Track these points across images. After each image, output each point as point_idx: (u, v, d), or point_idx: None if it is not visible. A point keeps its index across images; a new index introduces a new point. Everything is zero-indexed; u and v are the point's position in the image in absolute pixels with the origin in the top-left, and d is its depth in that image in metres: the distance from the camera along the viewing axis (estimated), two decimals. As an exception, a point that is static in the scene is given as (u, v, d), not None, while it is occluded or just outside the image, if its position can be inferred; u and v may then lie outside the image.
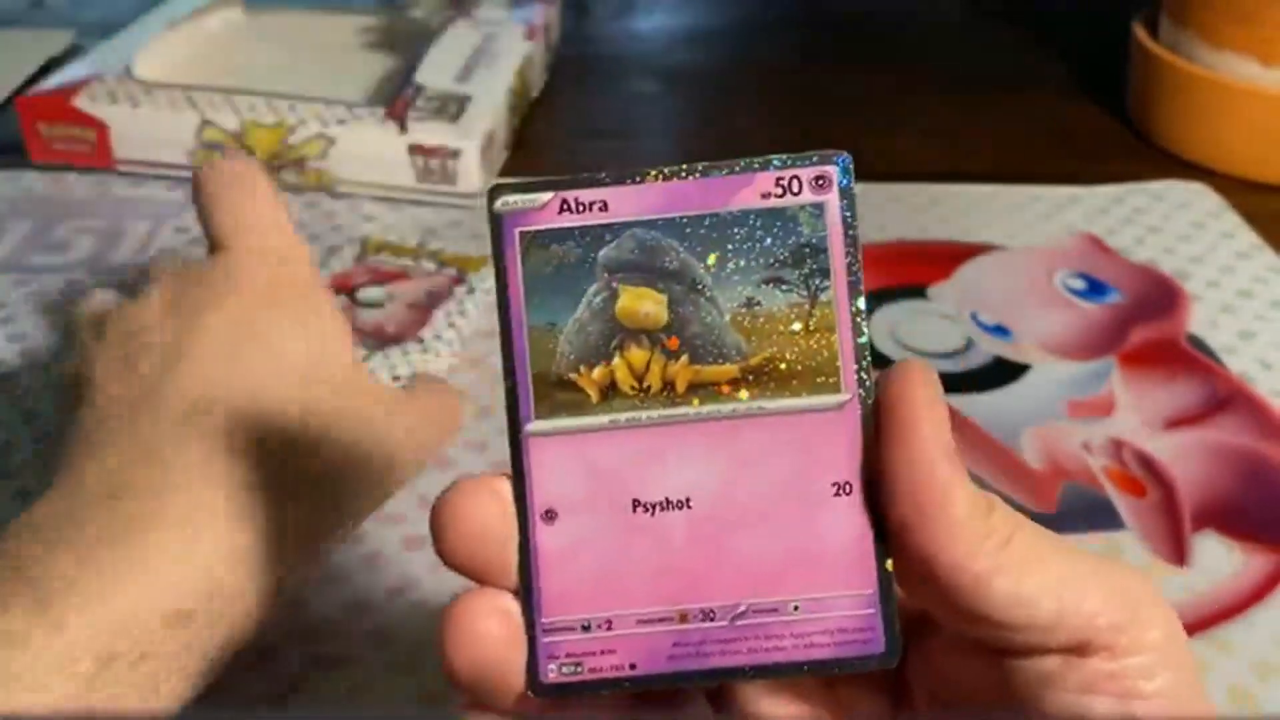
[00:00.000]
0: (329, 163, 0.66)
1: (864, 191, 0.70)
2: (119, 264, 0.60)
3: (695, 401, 0.23)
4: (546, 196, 0.24)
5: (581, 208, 0.24)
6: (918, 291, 0.60)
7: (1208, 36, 0.71)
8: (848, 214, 0.23)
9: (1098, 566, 0.23)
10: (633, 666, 0.24)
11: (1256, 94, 0.70)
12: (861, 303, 0.23)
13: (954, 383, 0.53)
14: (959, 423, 0.50)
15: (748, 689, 0.26)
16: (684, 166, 0.24)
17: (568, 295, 0.24)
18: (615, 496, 0.23)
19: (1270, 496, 0.47)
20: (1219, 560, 0.44)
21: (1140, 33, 0.76)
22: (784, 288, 0.23)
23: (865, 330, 0.24)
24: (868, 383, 0.23)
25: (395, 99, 0.68)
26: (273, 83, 0.69)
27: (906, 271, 0.61)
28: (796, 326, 0.23)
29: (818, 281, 0.23)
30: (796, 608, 0.23)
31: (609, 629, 0.24)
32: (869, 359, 0.24)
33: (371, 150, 0.66)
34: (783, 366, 0.23)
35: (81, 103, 0.66)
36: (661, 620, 0.24)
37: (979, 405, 0.52)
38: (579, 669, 0.24)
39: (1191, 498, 0.47)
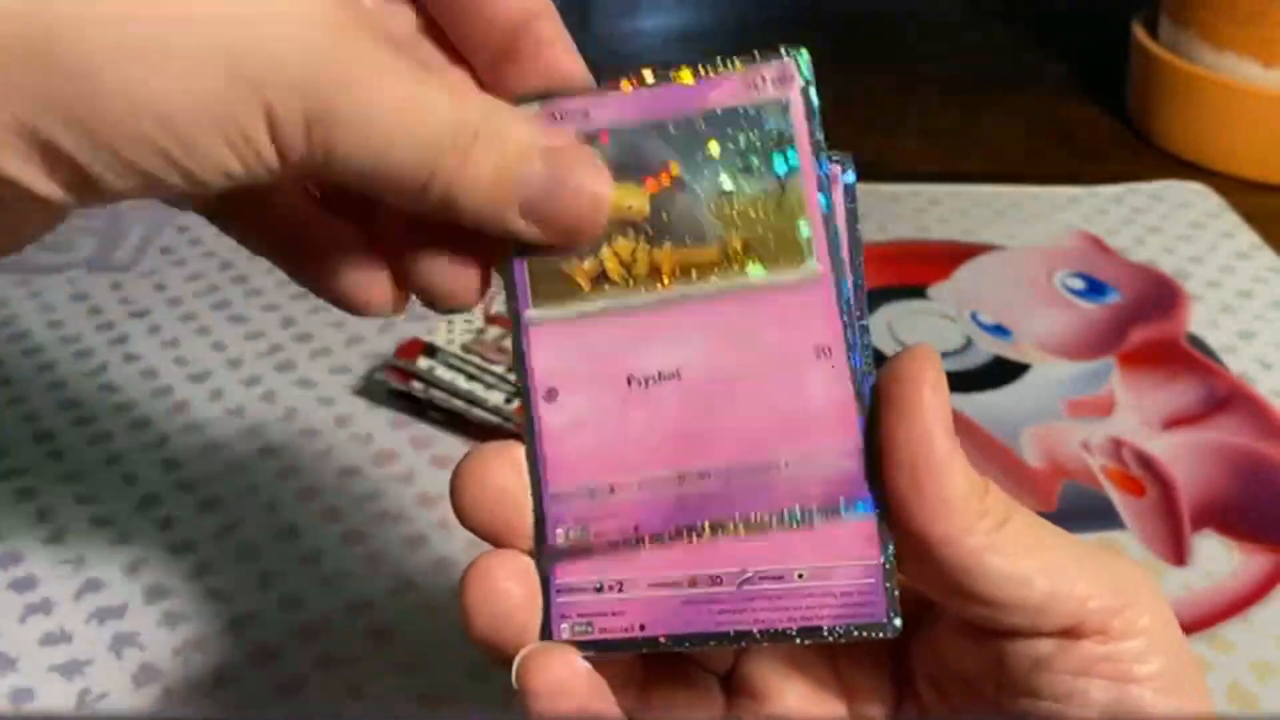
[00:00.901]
0: (329, 163, 0.66)
1: (863, 191, 0.70)
2: (119, 263, 0.60)
3: (679, 283, 0.25)
4: (536, 107, 0.25)
5: (568, 116, 0.25)
6: (918, 291, 0.60)
7: (1208, 37, 0.71)
8: (810, 104, 0.25)
9: (1091, 553, 0.24)
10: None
11: (1257, 94, 0.70)
12: (826, 185, 0.25)
13: (954, 382, 0.53)
14: (959, 422, 0.50)
15: (756, 669, 0.27)
16: (656, 72, 0.25)
17: None
18: (611, 374, 0.25)
19: (1269, 496, 0.47)
20: (1218, 560, 0.44)
21: (1140, 33, 0.76)
22: (755, 176, 0.25)
23: (832, 212, 0.25)
24: (839, 256, 0.25)
25: (395, 99, 0.68)
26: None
27: (906, 271, 0.61)
28: (769, 209, 0.25)
29: (786, 168, 0.25)
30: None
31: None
32: (838, 236, 0.25)
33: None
34: (759, 246, 0.25)
35: (82, 103, 0.66)
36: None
37: (979, 405, 0.52)
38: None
39: (1191, 497, 0.47)
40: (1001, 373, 0.54)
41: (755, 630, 0.24)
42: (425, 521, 0.45)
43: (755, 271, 0.25)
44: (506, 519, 0.25)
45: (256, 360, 0.54)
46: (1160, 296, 0.60)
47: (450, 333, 0.51)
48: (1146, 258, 0.63)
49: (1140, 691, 0.23)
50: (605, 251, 0.25)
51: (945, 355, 0.55)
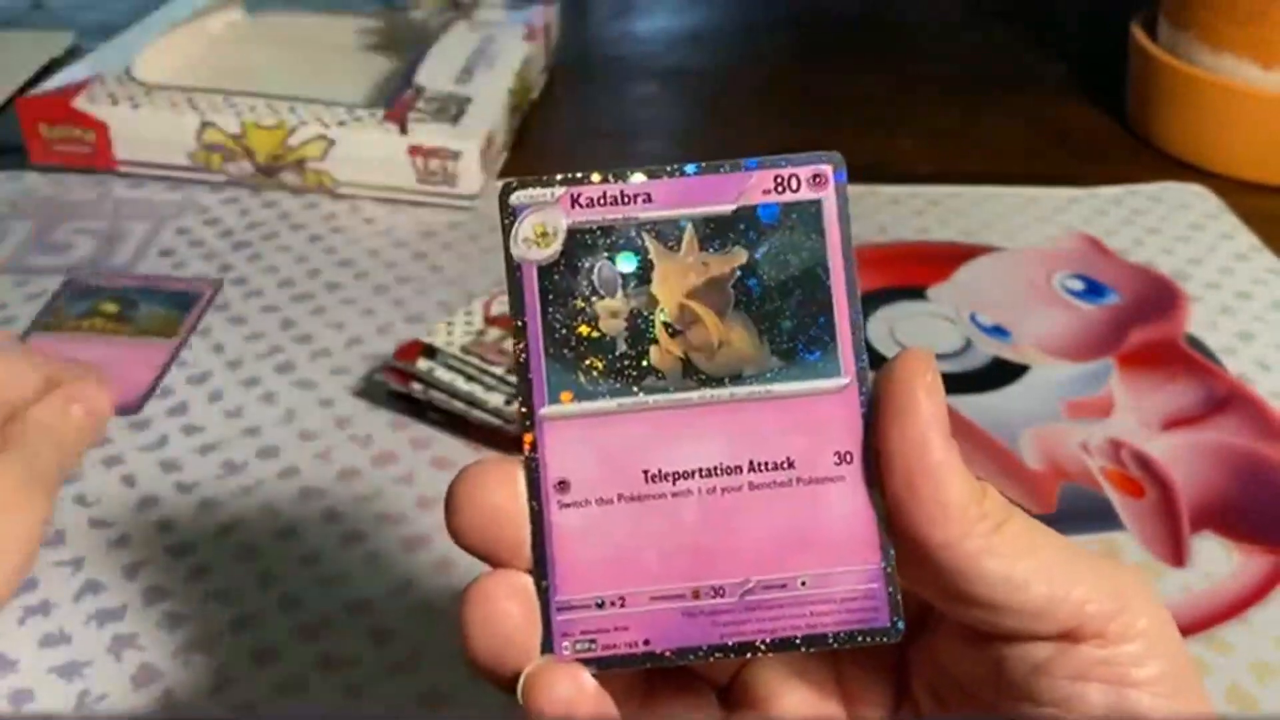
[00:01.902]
0: (329, 164, 0.66)
1: (863, 193, 0.70)
2: (119, 265, 0.60)
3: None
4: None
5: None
6: (917, 292, 0.60)
7: (1207, 39, 0.71)
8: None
9: (1088, 557, 0.24)
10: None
11: (1256, 96, 0.70)
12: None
13: (953, 383, 0.53)
14: (958, 423, 0.51)
15: (757, 677, 0.27)
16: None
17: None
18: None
19: (1268, 497, 0.47)
20: (1217, 561, 0.44)
21: (1139, 34, 0.77)
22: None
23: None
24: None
25: (395, 100, 0.68)
26: (273, 84, 0.69)
27: (906, 272, 0.61)
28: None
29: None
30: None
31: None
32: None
33: (372, 152, 0.66)
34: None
35: (82, 104, 0.67)
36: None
37: (978, 406, 0.52)
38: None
39: (1190, 498, 0.47)
40: (1001, 374, 0.54)
41: (759, 640, 0.24)
42: (425, 522, 0.45)
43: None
44: (503, 537, 0.24)
45: (256, 361, 0.54)
46: (1159, 298, 0.60)
47: (450, 334, 0.51)
48: (1145, 259, 0.63)
49: (1138, 695, 0.23)
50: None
51: (944, 357, 0.55)
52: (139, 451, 0.48)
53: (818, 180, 0.25)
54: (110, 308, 0.56)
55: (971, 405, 0.52)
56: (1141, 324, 0.57)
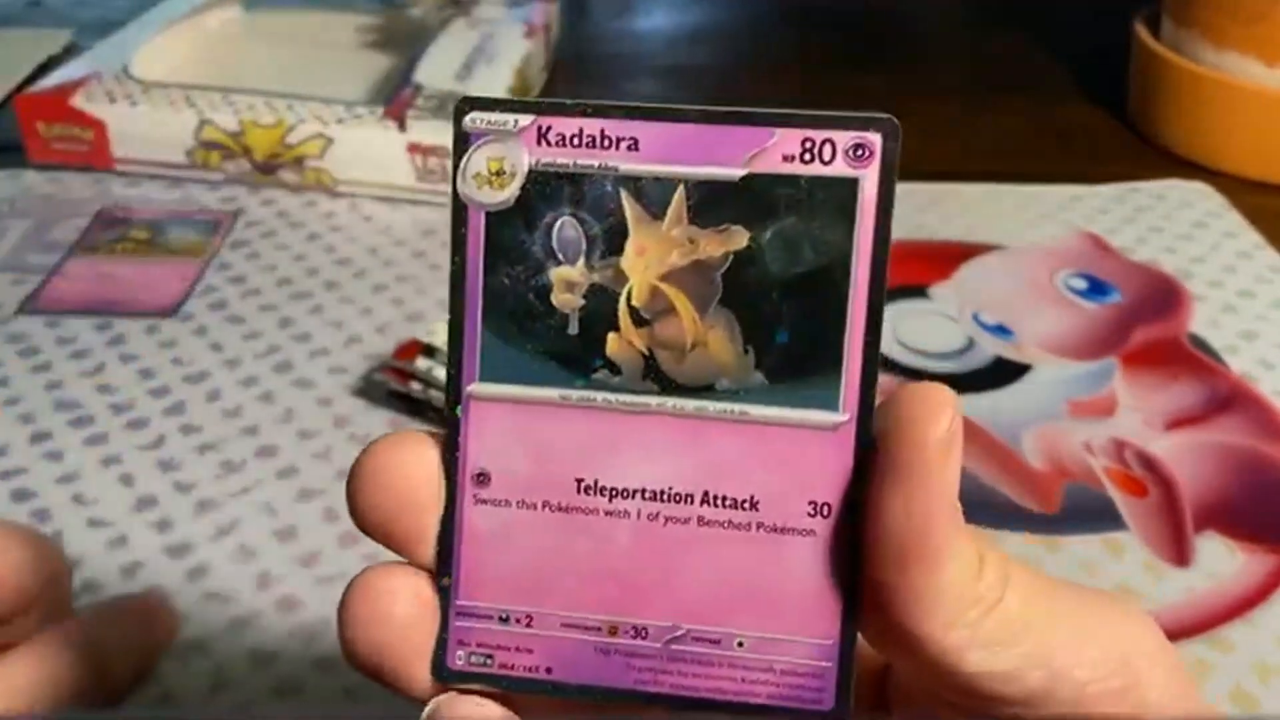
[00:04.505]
0: (328, 162, 0.66)
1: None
2: (117, 263, 0.60)
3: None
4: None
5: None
6: (919, 291, 0.59)
7: (1211, 37, 0.71)
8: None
9: (1091, 619, 0.21)
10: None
11: (1260, 94, 0.70)
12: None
13: (955, 383, 0.53)
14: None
15: None
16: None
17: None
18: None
19: (1272, 497, 0.47)
20: (1220, 560, 0.44)
21: (1142, 32, 0.76)
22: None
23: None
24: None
25: (394, 98, 0.68)
26: (271, 82, 0.69)
27: (907, 271, 0.61)
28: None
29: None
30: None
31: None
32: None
33: (371, 149, 0.65)
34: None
35: (80, 102, 0.66)
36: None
37: (980, 405, 0.52)
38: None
39: (1193, 498, 0.46)
40: (1003, 373, 0.54)
41: (674, 696, 0.21)
42: (424, 522, 0.45)
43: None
44: (410, 527, 0.21)
45: (254, 361, 0.53)
46: (1162, 296, 0.59)
47: (449, 333, 0.51)
48: (1148, 257, 0.63)
49: None
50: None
51: (946, 356, 0.55)
52: (137, 450, 0.48)
53: (859, 153, 0.19)
54: (141, 234, 0.62)
55: (974, 405, 0.52)
56: (1144, 323, 0.57)
